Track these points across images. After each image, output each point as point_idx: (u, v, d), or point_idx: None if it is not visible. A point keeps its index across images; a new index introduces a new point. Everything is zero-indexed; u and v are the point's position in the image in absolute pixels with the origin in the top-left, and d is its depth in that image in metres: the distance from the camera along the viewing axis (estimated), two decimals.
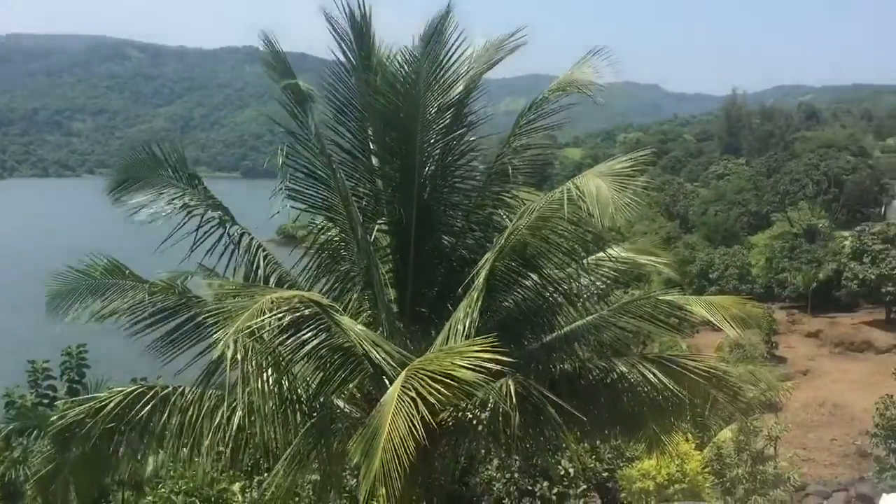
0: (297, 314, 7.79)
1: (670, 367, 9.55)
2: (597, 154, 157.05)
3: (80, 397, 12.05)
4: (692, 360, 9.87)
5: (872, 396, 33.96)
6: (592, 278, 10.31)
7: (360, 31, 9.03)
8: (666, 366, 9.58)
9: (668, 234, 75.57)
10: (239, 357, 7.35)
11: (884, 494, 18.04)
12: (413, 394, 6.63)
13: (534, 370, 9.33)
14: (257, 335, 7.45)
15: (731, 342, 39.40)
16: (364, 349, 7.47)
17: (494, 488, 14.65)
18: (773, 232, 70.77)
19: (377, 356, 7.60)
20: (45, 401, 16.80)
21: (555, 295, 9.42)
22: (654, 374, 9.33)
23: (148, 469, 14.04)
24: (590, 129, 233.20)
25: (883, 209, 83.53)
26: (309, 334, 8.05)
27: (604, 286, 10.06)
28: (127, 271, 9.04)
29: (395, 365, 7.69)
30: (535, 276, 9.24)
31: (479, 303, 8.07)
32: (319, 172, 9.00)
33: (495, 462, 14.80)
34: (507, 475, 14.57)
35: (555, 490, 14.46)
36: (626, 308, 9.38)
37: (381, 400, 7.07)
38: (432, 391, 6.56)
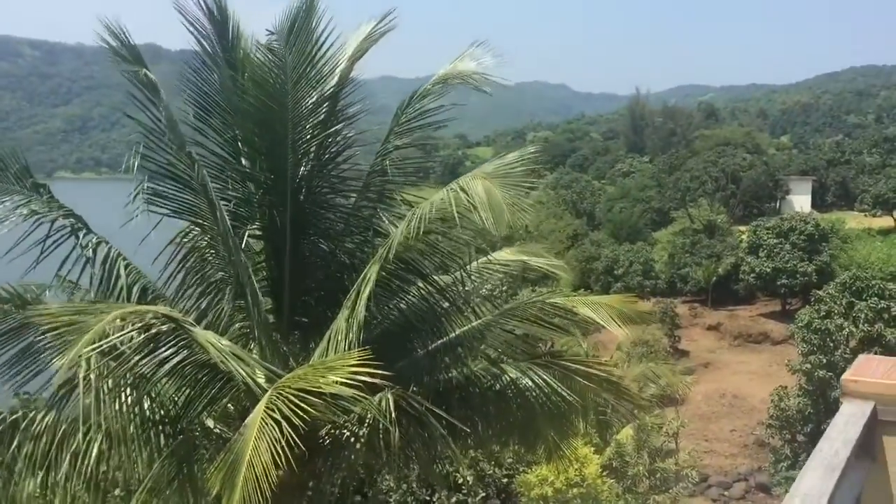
0: (153, 330, 7.14)
1: (560, 371, 9.31)
2: (507, 153, 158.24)
3: None
4: (582, 363, 9.65)
5: (769, 387, 35.07)
6: (480, 282, 9.98)
7: (220, 23, 8.41)
8: (556, 370, 9.33)
9: (574, 231, 76.53)
10: (92, 378, 6.72)
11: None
12: (278, 415, 6.11)
13: (420, 379, 8.93)
14: (111, 354, 6.84)
15: (636, 338, 39.95)
16: (227, 366, 6.86)
17: (392, 499, 14.17)
18: (675, 228, 72.46)
19: (242, 374, 7.01)
20: None
21: (440, 301, 9.02)
22: (544, 379, 9.06)
23: None
24: (500, 128, 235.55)
25: (777, 204, 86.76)
26: (169, 351, 7.41)
27: (493, 289, 9.72)
28: None
29: (261, 383, 7.15)
30: (419, 282, 8.82)
31: (362, 313, 7.58)
32: (180, 173, 8.30)
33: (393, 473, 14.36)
34: (405, 485, 14.11)
35: (454, 499, 14.08)
36: (512, 312, 9.04)
37: (245, 422, 6.54)
38: (299, 411, 6.06)
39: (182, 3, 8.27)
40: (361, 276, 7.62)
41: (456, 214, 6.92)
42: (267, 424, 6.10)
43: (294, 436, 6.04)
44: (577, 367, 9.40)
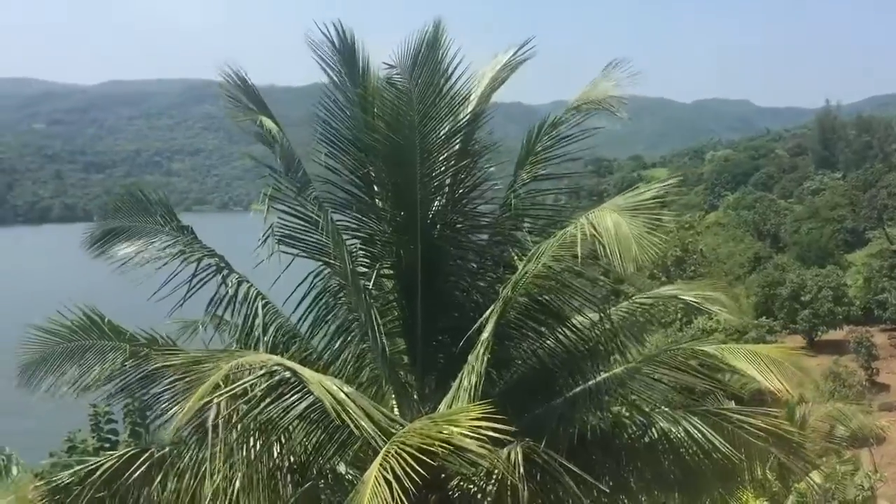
0: (277, 377, 7.02)
1: (720, 422, 8.40)
2: (685, 173, 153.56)
3: (68, 459, 11.49)
4: (745, 412, 8.64)
5: None
6: (629, 322, 9.23)
7: (349, 58, 8.27)
8: (715, 421, 8.42)
9: (756, 254, 72.17)
10: (220, 423, 6.72)
11: None
12: (390, 475, 5.73)
13: (558, 428, 8.32)
14: (237, 402, 6.82)
15: (826, 371, 36.82)
16: (341, 418, 6.57)
17: None
18: (871, 250, 66.75)
19: (363, 426, 6.69)
20: (107, 444, 16.63)
21: (579, 344, 8.38)
22: (701, 431, 8.20)
23: None
24: (677, 148, 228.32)
25: None
26: (294, 397, 7.26)
27: (639, 328, 8.95)
28: (106, 324, 8.39)
29: (381, 434, 6.81)
30: (553, 324, 8.25)
31: (485, 359, 7.12)
32: (309, 213, 8.21)
33: None
34: None
35: None
36: (657, 359, 8.23)
37: (363, 478, 6.22)
38: (411, 471, 5.65)
39: (313, 36, 8.24)
40: (482, 317, 7.12)
41: (580, 250, 6.32)
42: (380, 486, 5.74)
43: (411, 491, 5.63)
44: (738, 417, 8.45)
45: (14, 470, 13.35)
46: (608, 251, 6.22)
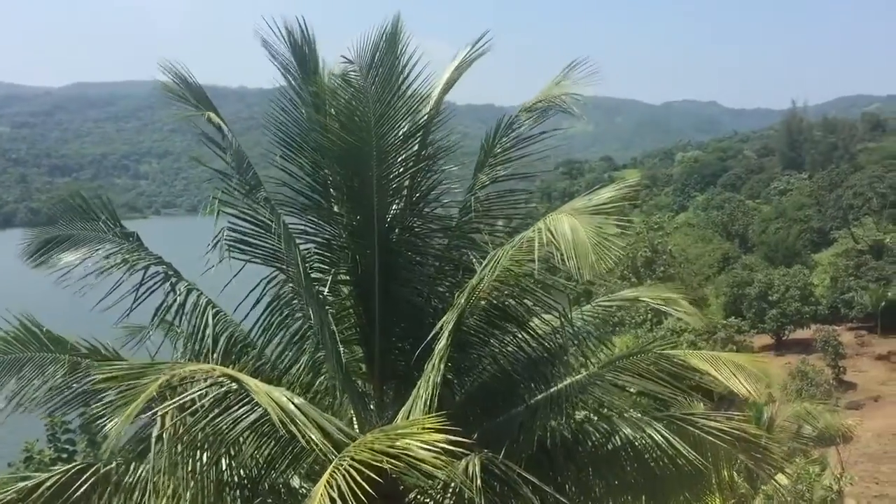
0: (223, 388, 6.72)
1: (685, 427, 8.23)
2: (655, 175, 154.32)
3: (24, 472, 11.06)
4: (709, 417, 8.48)
5: None
6: (592, 326, 9.04)
7: (302, 58, 7.98)
8: (680, 426, 8.25)
9: (725, 255, 72.65)
10: (164, 437, 6.42)
11: None
12: (335, 492, 5.45)
13: (520, 436, 8.09)
14: (186, 412, 6.52)
15: (794, 370, 37.03)
16: (289, 430, 6.26)
17: None
18: (837, 249, 67.43)
19: (312, 438, 6.39)
20: (65, 455, 16.19)
21: (540, 350, 8.16)
22: (665, 438, 8.02)
23: None
24: (647, 149, 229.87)
25: None
26: (243, 409, 6.95)
27: (599, 333, 8.75)
28: (45, 334, 8.00)
29: (331, 447, 6.52)
30: (514, 329, 8.02)
31: (441, 369, 6.85)
32: (261, 217, 7.90)
33: None
34: None
35: None
36: (620, 364, 8.03)
37: (311, 493, 5.94)
38: (360, 486, 5.38)
39: (267, 35, 7.93)
40: (438, 324, 6.86)
41: (536, 256, 6.10)
42: (325, 502, 5.46)
43: None
44: (703, 422, 8.29)
45: None
46: (565, 258, 5.97)
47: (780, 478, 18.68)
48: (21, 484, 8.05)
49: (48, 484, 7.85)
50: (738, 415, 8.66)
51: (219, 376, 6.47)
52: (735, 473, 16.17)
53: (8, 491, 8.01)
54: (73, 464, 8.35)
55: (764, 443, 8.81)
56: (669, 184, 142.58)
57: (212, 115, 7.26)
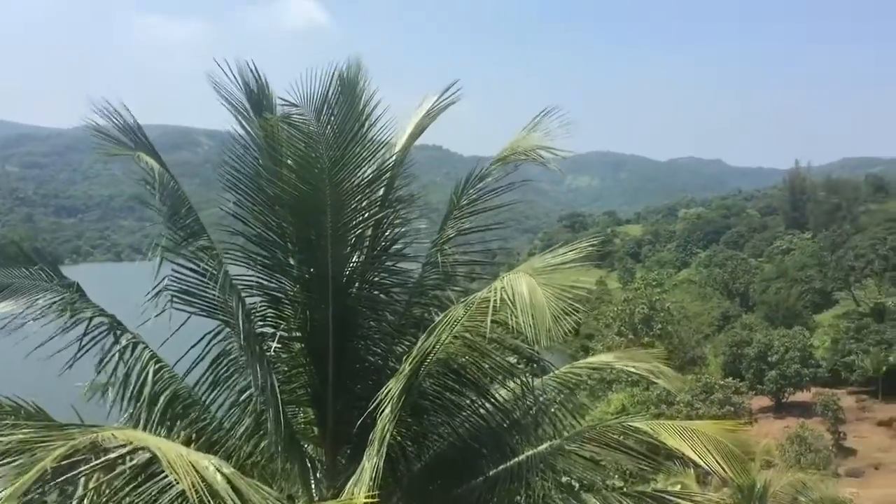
0: (147, 455, 6.14)
1: None
2: (657, 230, 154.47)
3: None
4: (683, 496, 7.86)
5: None
6: (561, 393, 8.45)
7: (256, 100, 7.57)
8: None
9: (724, 313, 71.86)
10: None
11: None
12: None
13: None
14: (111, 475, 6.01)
15: (792, 434, 36.02)
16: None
17: None
18: (839, 311, 66.62)
19: None
20: None
21: (501, 418, 7.59)
22: None
23: None
24: (651, 205, 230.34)
25: None
26: (171, 477, 6.36)
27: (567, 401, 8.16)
28: None
29: None
30: (473, 395, 7.47)
31: (386, 437, 6.28)
32: (206, 266, 7.41)
33: None
34: None
35: None
36: (585, 435, 7.44)
37: None
38: None
39: (219, 78, 7.52)
40: (382, 390, 6.31)
41: (489, 319, 5.60)
42: None
43: None
44: (677, 500, 7.67)
45: None
46: (520, 321, 5.46)
47: None
48: None
49: None
50: (711, 497, 8.04)
51: (138, 442, 5.91)
52: None
53: None
54: None
55: None
56: (672, 240, 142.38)
57: (143, 155, 6.81)
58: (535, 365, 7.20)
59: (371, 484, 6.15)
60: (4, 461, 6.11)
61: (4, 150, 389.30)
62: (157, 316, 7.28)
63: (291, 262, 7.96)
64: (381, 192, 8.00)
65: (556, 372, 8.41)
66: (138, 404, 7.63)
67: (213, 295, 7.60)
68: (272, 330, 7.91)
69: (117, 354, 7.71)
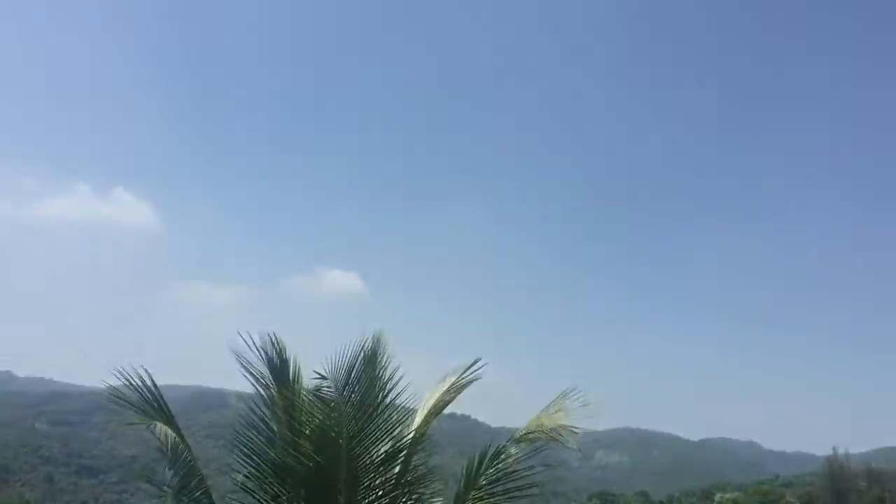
0: None
1: None
2: None
3: None
4: None
5: None
6: None
7: (279, 373, 7.72)
8: None
9: None
10: None
11: None
12: None
13: None
14: None
15: None
16: None
17: None
18: None
19: None
20: None
21: None
22: None
23: None
24: (685, 485, 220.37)
25: None
26: None
27: None
28: None
29: None
30: None
31: None
32: None
33: None
34: None
35: None
36: None
37: None
38: None
39: (241, 349, 7.73)
40: None
41: None
42: None
43: None
44: None
45: None
46: None
47: None
48: None
49: None
50: None
51: None
52: None
53: None
54: None
55: None
56: None
57: (161, 425, 6.85)
58: None
59: None
60: None
61: (36, 408, 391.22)
62: None
63: None
64: (396, 469, 7.87)
65: None
66: None
67: None
68: None
69: None
